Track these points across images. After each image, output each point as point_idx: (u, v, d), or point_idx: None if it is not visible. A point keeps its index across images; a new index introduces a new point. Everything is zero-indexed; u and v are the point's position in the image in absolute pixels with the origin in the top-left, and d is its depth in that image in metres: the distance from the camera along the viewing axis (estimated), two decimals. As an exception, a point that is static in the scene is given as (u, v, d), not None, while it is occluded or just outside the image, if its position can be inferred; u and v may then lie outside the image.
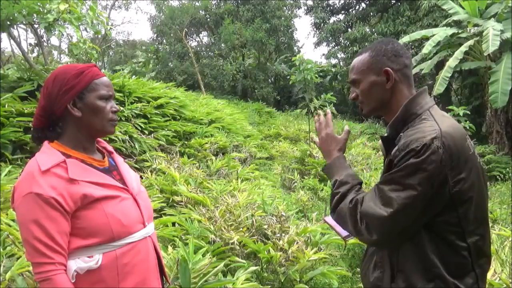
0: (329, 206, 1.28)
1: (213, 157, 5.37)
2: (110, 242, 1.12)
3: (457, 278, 1.07)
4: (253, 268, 2.44)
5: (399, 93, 1.21)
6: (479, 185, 1.12)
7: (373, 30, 16.74)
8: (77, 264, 1.08)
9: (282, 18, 19.17)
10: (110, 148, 1.36)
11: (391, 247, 1.14)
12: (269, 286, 2.59)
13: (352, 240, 2.84)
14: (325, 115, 1.42)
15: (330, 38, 18.63)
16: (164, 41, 20.35)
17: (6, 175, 3.00)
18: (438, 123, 1.10)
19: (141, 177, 4.01)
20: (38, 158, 1.11)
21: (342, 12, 19.45)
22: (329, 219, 1.45)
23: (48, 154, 1.13)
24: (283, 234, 2.88)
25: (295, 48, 21.65)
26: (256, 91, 18.61)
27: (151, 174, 4.16)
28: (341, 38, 18.40)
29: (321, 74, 18.73)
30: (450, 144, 1.05)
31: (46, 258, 1.03)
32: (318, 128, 1.41)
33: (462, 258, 1.08)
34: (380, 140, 1.30)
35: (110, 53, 23.77)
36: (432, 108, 1.17)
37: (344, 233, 1.39)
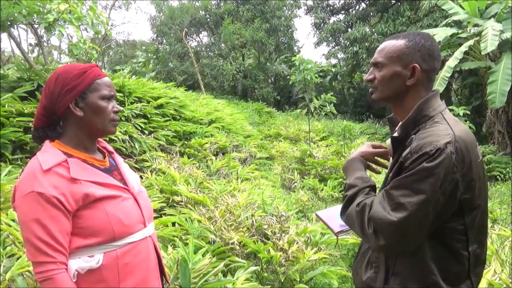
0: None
1: (213, 157, 5.38)
2: (111, 242, 1.12)
3: (452, 286, 1.06)
4: (253, 268, 2.44)
5: (416, 93, 1.17)
6: (485, 192, 1.11)
7: (373, 30, 16.72)
8: (78, 263, 1.08)
9: (282, 18, 19.17)
10: (110, 148, 1.36)
11: (397, 253, 1.11)
12: (269, 286, 2.59)
13: (351, 240, 2.86)
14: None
15: (330, 38, 18.60)
16: (164, 41, 20.33)
17: (6, 175, 3.00)
18: (451, 127, 1.07)
19: (141, 177, 4.02)
20: (39, 157, 1.10)
21: (342, 12, 19.43)
22: (321, 213, 1.43)
23: (50, 153, 1.13)
24: (283, 234, 2.88)
25: (295, 48, 21.65)
26: (256, 91, 18.61)
27: (151, 174, 4.16)
28: (341, 38, 18.38)
29: (321, 74, 18.76)
30: (462, 149, 1.03)
31: (48, 257, 1.03)
32: None
33: (461, 266, 1.07)
34: (388, 140, 1.26)
35: (110, 53, 23.77)
36: (444, 111, 1.15)
37: (336, 228, 1.36)
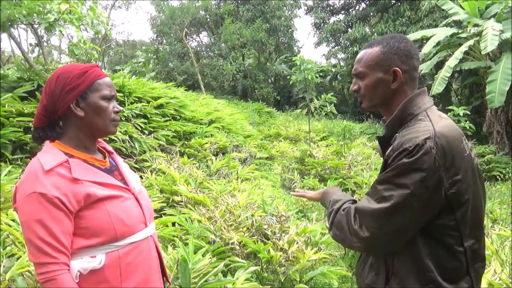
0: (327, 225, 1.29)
1: (213, 157, 5.38)
2: (113, 242, 1.12)
3: (452, 283, 1.06)
4: (253, 268, 2.44)
5: (402, 94, 1.19)
6: (475, 187, 1.11)
7: (373, 30, 16.73)
8: (80, 264, 1.08)
9: (282, 18, 19.18)
10: (109, 148, 1.36)
11: (383, 251, 1.13)
12: (269, 286, 2.59)
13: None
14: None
15: (330, 38, 18.61)
16: (164, 41, 20.33)
17: (6, 175, 3.00)
18: (433, 123, 1.09)
19: (141, 177, 4.01)
20: (41, 158, 1.10)
21: (342, 12, 19.44)
22: None
23: (51, 153, 1.13)
24: (283, 234, 2.88)
25: (295, 48, 21.65)
26: (256, 91, 18.62)
27: (151, 174, 4.16)
28: (341, 38, 18.39)
29: (321, 74, 18.74)
30: (443, 144, 1.04)
31: (50, 258, 1.02)
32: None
33: (458, 262, 1.07)
34: (376, 140, 1.29)
35: (110, 53, 23.77)
36: (430, 109, 1.16)
37: None
